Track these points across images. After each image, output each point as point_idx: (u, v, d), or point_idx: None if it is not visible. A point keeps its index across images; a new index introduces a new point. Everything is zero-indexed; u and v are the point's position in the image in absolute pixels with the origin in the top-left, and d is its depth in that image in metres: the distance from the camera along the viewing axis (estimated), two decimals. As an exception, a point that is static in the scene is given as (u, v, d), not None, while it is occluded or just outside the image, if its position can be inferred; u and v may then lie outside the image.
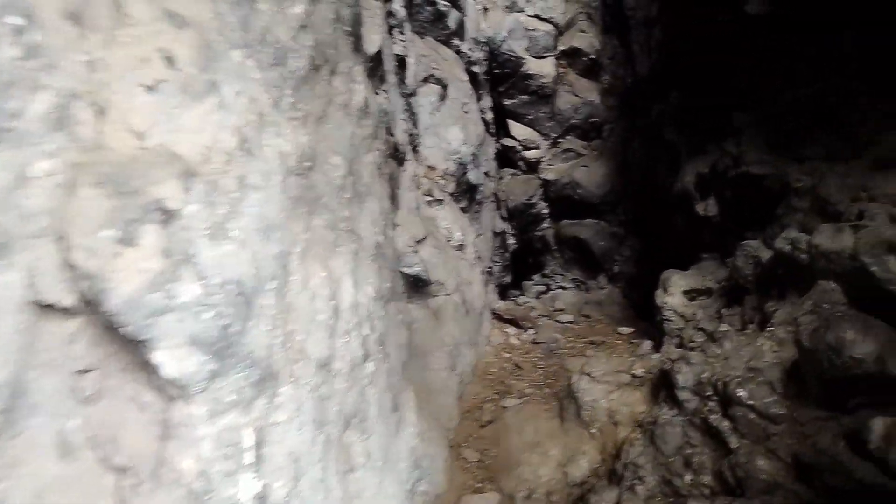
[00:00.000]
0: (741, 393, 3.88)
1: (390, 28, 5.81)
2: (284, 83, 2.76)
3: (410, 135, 6.56)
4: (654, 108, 8.16)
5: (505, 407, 6.22)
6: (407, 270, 6.02)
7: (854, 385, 3.44)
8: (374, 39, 4.88)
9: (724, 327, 5.28)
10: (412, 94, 6.52)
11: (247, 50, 2.50)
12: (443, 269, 6.44)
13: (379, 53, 5.11)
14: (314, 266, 2.80)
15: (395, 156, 6.01)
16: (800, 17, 4.74)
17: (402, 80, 6.27)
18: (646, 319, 8.26)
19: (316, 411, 2.66)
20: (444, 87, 7.45)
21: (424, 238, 6.33)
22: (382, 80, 5.27)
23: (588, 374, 5.93)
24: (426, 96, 7.23)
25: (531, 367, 7.16)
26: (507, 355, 7.52)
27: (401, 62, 6.18)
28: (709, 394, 4.20)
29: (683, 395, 4.39)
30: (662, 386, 4.74)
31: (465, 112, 7.99)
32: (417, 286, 6.15)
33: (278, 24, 2.75)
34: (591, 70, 9.68)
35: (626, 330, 7.93)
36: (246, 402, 2.16)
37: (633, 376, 5.86)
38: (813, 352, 3.53)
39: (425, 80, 7.20)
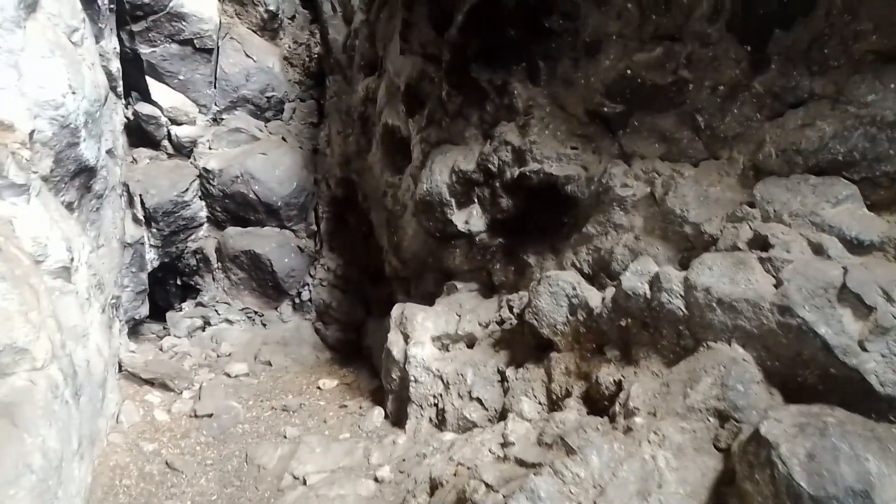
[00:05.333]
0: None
1: None
2: None
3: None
4: (360, 84, 6.16)
5: (155, 567, 3.42)
6: (-70, 331, 2.82)
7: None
8: None
9: (524, 403, 3.52)
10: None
11: None
12: (23, 319, 3.32)
13: None
14: None
15: None
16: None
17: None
18: (350, 364, 6.22)
19: None
20: (32, -13, 4.19)
21: (-20, 260, 3.14)
22: None
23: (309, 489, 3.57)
24: (-8, -6, 3.91)
25: (196, 466, 4.42)
26: (152, 447, 4.61)
27: None
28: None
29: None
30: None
31: (75, 43, 4.79)
32: (-39, 360, 2.96)
33: None
34: (268, 27, 7.22)
35: (328, 383, 5.71)
36: None
37: (377, 480, 3.71)
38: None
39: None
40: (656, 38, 3.29)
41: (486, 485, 2.75)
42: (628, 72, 3.35)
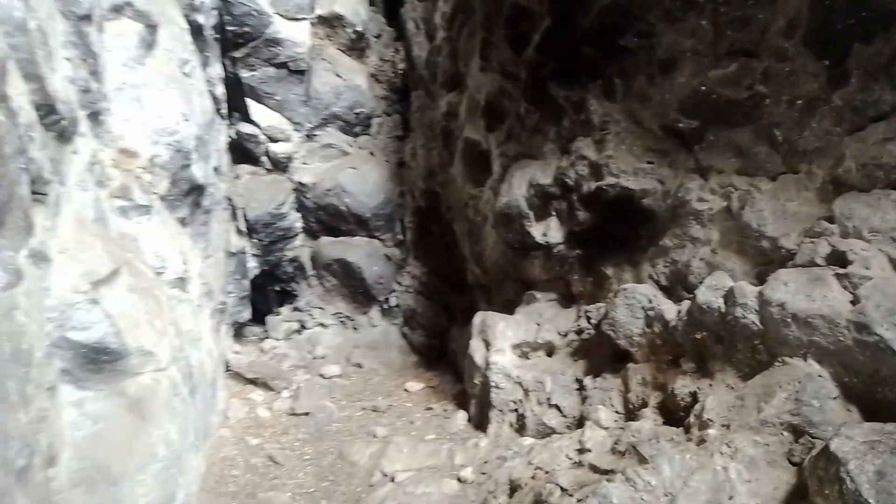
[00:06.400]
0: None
1: None
2: None
3: (87, 92, 3.75)
4: (443, 99, 6.40)
5: (260, 552, 3.80)
6: (78, 336, 3.29)
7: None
8: None
9: (601, 412, 3.63)
10: (89, 21, 3.72)
11: None
12: (149, 326, 3.77)
13: None
14: None
15: (55, 125, 3.22)
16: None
17: (66, -11, 3.47)
18: (434, 368, 6.49)
19: None
20: (152, 27, 4.70)
21: (114, 273, 3.60)
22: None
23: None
24: (119, 37, 4.43)
25: (295, 461, 4.80)
26: (256, 441, 5.04)
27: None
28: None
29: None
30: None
31: (187, 74, 5.30)
32: (100, 361, 3.42)
33: None
34: (356, 46, 7.61)
35: (415, 386, 6.01)
36: None
37: (461, 481, 3.93)
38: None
39: (116, 10, 4.39)
40: (731, 53, 3.32)
41: (562, 489, 2.90)
42: (703, 88, 3.41)
